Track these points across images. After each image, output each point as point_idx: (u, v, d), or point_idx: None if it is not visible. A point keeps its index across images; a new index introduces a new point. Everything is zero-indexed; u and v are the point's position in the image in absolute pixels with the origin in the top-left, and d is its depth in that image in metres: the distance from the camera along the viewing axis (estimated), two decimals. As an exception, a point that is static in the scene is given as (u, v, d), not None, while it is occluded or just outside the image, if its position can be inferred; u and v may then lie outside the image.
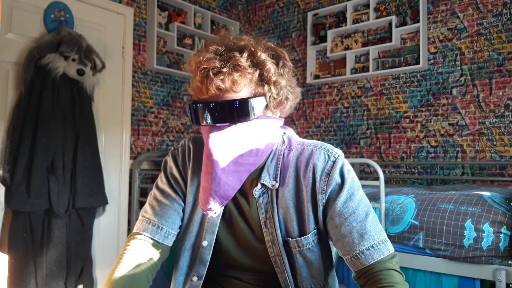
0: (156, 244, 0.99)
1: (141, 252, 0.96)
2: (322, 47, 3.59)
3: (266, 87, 0.90)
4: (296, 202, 0.96)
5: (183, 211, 1.03)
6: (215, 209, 0.93)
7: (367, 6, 3.38)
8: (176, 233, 1.02)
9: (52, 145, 2.49)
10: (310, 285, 0.98)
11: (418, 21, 3.09)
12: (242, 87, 0.87)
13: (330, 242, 1.02)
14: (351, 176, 0.94)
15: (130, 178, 3.22)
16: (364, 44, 3.35)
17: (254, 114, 0.89)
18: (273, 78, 0.90)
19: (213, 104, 0.87)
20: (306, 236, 0.94)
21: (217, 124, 0.89)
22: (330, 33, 3.52)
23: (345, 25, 3.47)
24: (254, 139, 0.92)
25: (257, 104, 0.89)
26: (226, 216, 1.01)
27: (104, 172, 2.79)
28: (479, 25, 2.92)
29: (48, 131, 2.48)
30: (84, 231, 2.67)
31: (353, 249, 0.89)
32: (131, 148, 3.25)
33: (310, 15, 3.65)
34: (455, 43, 3.01)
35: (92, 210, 2.72)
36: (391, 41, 3.21)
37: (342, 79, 3.49)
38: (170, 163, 1.05)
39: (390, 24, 3.27)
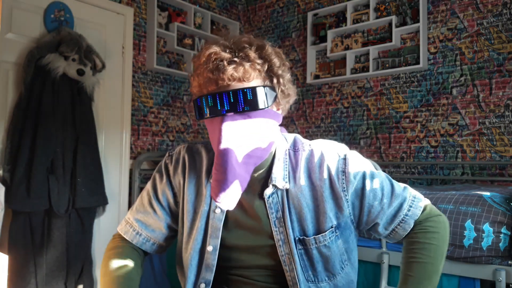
0: (135, 248, 1.06)
1: (124, 254, 1.03)
2: (322, 47, 3.59)
3: (275, 80, 0.94)
4: (311, 202, 0.97)
5: (183, 220, 1.04)
6: (231, 202, 0.92)
7: (367, 6, 3.38)
8: (157, 242, 1.07)
9: (52, 145, 2.49)
10: (325, 277, 1.00)
11: (418, 21, 3.08)
12: (253, 77, 0.90)
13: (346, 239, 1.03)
14: (363, 163, 1.00)
15: (130, 178, 3.22)
16: (364, 44, 3.35)
17: (267, 103, 0.91)
18: (279, 72, 0.94)
19: (228, 92, 0.88)
20: (323, 234, 0.96)
21: (230, 114, 0.89)
22: (330, 33, 3.52)
23: (345, 25, 3.47)
24: (263, 132, 0.93)
25: (269, 94, 0.92)
26: (230, 218, 1.01)
27: (104, 172, 2.79)
28: (479, 25, 2.92)
29: (48, 131, 2.48)
30: (84, 231, 2.67)
31: (399, 215, 0.98)
32: (131, 148, 3.25)
33: (310, 15, 3.65)
34: (455, 43, 3.01)
35: (92, 210, 2.72)
36: (391, 41, 3.21)
37: (342, 79, 3.49)
38: (162, 171, 1.08)
39: (390, 24, 3.27)
